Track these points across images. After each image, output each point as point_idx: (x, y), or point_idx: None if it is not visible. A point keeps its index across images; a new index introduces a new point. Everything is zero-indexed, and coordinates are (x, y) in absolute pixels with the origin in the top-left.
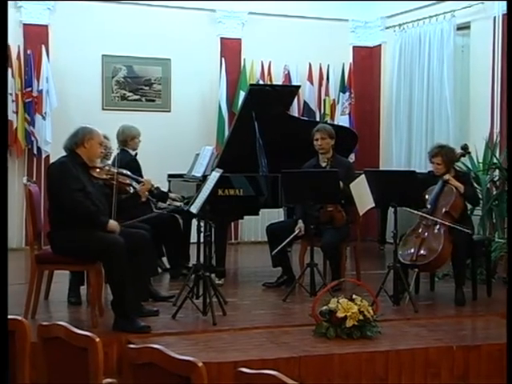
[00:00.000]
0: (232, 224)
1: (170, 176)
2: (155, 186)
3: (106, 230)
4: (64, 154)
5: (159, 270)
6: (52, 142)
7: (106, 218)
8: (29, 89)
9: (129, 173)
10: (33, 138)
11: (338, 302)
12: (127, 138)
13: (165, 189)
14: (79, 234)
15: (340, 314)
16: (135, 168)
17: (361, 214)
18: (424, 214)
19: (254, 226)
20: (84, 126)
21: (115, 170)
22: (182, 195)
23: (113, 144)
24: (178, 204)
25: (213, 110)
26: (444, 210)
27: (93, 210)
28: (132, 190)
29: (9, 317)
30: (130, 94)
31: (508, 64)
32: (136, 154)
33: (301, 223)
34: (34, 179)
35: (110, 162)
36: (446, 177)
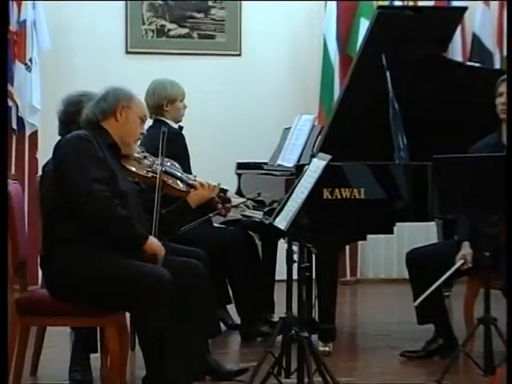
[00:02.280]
0: (347, 249)
1: (239, 166)
2: (222, 188)
3: (143, 254)
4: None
5: (223, 328)
6: (43, 109)
7: (143, 230)
8: None
9: (179, 171)
10: (10, 103)
11: None
12: (161, 102)
13: (232, 188)
14: (93, 261)
15: None
16: (180, 152)
17: None
18: None
19: (384, 253)
20: (117, 87)
21: (159, 166)
22: (259, 198)
23: None
24: (251, 213)
25: (313, 54)
26: None
27: (123, 214)
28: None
29: None
30: (173, 25)
31: (508, 62)
32: (181, 128)
33: (467, 248)
34: (13, 172)
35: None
36: None
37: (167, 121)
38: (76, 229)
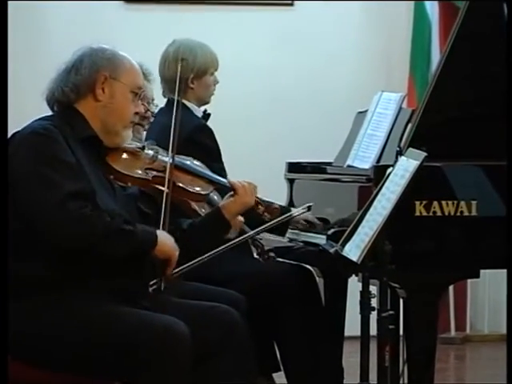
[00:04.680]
0: (451, 291)
1: (291, 169)
2: (266, 201)
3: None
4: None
5: None
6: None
7: (146, 228)
8: None
9: (199, 166)
10: None
11: None
12: (185, 76)
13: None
14: (73, 312)
15: None
16: (209, 146)
17: None
18: None
19: (506, 297)
20: (96, 49)
21: (168, 160)
22: (322, 217)
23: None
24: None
25: (400, 2)
26: None
27: (118, 223)
28: (203, 211)
29: None
30: None
31: (508, 63)
32: (207, 116)
33: None
34: None
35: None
36: None
37: (189, 104)
38: (44, 268)
